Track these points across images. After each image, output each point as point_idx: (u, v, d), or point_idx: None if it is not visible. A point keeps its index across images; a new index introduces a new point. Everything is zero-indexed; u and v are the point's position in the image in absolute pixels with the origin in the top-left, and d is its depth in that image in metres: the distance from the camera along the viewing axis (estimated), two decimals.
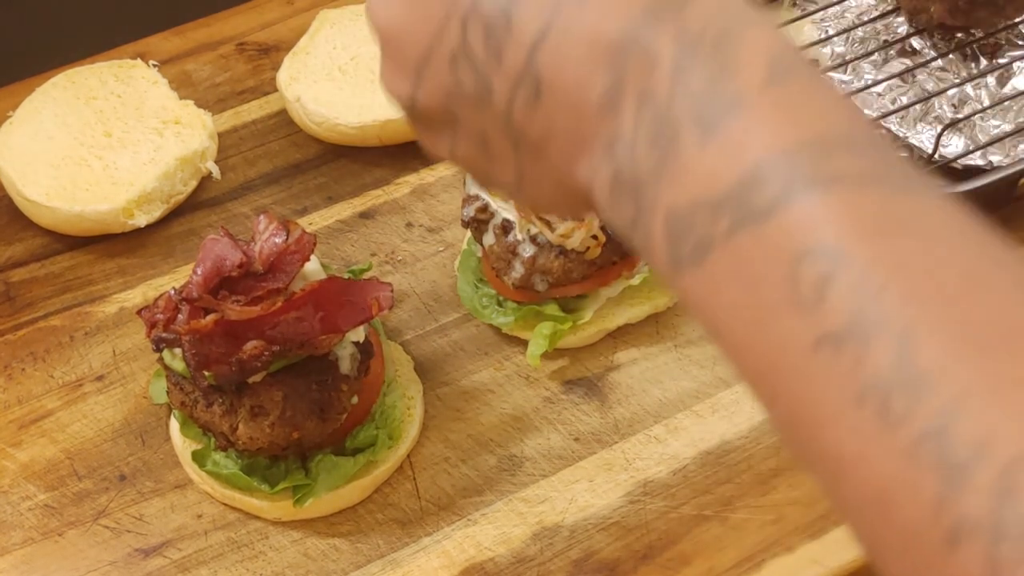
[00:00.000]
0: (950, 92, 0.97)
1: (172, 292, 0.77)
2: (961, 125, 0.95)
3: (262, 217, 0.80)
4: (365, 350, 0.78)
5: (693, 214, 0.41)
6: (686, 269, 0.41)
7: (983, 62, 1.00)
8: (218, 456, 0.79)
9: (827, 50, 1.02)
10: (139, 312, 0.78)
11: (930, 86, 0.98)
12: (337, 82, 1.00)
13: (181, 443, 0.81)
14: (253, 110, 1.04)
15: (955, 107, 0.97)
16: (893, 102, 0.97)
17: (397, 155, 0.99)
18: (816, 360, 0.37)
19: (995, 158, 0.94)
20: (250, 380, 0.74)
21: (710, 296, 0.41)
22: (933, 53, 1.00)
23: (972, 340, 0.35)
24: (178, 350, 0.75)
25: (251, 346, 0.72)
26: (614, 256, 0.85)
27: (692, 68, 0.41)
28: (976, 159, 0.94)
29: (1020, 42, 1.01)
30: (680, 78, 0.41)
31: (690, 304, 0.43)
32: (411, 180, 0.98)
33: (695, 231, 0.41)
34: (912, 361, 0.35)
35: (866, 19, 1.03)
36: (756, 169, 0.39)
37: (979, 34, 1.00)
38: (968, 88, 0.97)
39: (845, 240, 0.37)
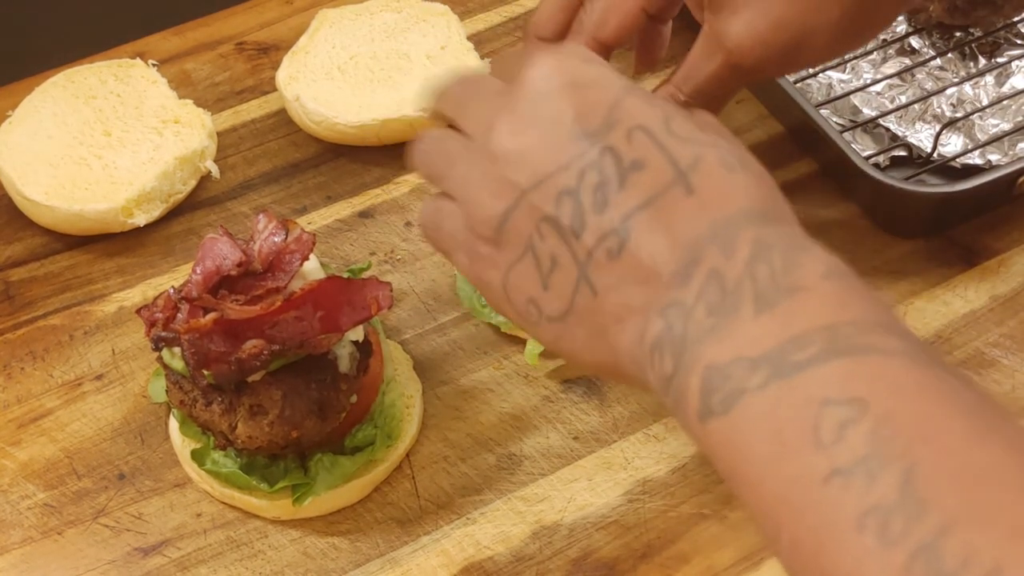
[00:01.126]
0: (949, 91, 0.97)
1: (171, 291, 0.77)
2: (960, 124, 0.96)
3: (261, 216, 0.80)
4: (364, 349, 0.78)
5: (731, 368, 0.47)
6: (713, 418, 0.47)
7: (982, 61, 1.00)
8: (217, 455, 0.79)
9: None
10: (138, 311, 0.78)
11: (929, 85, 0.98)
12: (336, 81, 1.00)
13: (180, 442, 0.81)
14: (252, 109, 1.04)
15: (954, 106, 0.97)
16: (892, 101, 0.97)
17: (396, 154, 0.99)
18: (825, 491, 0.43)
19: (994, 157, 0.94)
20: (249, 379, 0.74)
21: (731, 439, 0.47)
22: (932, 52, 1.00)
23: (967, 478, 0.42)
24: (177, 349, 0.75)
25: (250, 345, 0.72)
26: None
27: (762, 263, 0.49)
28: (975, 158, 0.94)
29: (1019, 41, 1.01)
30: (751, 268, 0.49)
31: (709, 449, 0.48)
32: (410, 179, 0.98)
33: (729, 384, 0.47)
34: (913, 490, 0.41)
35: None
36: (802, 335, 0.46)
37: (978, 33, 1.00)
38: (967, 87, 0.98)
39: (870, 394, 0.44)
